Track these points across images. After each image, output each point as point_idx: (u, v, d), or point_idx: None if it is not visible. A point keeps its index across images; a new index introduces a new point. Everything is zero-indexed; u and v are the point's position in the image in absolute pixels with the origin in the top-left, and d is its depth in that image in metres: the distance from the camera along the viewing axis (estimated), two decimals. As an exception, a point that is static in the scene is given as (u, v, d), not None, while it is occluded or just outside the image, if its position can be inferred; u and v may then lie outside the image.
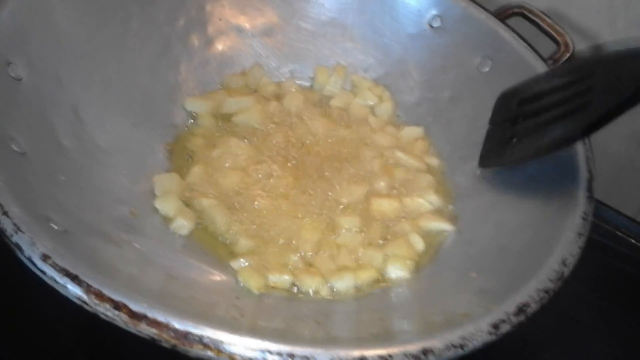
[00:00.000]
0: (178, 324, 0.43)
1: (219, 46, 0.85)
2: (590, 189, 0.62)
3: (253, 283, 0.60)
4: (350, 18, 0.88)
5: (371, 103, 0.86)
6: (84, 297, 0.43)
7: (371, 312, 0.58)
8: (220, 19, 0.85)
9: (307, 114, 0.81)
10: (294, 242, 0.66)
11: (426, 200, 0.73)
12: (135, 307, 0.43)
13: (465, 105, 0.81)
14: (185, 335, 0.43)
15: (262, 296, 0.59)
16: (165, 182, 0.68)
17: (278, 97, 0.83)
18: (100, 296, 0.43)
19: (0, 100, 0.55)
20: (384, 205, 0.71)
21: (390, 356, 0.45)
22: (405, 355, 0.45)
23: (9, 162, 0.52)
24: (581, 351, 0.70)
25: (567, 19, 0.87)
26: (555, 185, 0.65)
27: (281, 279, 0.62)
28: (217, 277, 0.60)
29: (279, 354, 0.43)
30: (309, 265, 0.65)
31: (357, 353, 0.44)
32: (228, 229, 0.66)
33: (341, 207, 0.71)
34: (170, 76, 0.79)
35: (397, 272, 0.65)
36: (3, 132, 0.54)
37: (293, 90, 0.85)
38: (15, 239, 0.45)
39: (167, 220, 0.65)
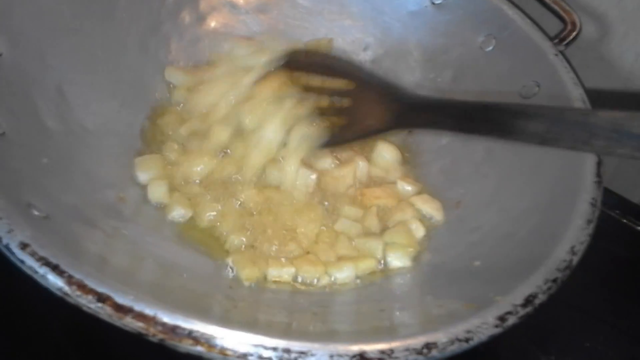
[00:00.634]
0: (166, 317, 0.40)
1: (211, 23, 0.82)
2: (599, 174, 0.59)
3: (248, 274, 0.57)
4: (348, -6, 0.85)
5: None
6: (66, 288, 0.41)
7: (371, 303, 0.55)
8: (212, -6, 0.81)
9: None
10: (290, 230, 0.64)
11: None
12: (120, 299, 0.40)
13: (468, 86, 0.78)
14: (174, 329, 0.40)
15: (257, 286, 0.57)
16: (149, 164, 0.66)
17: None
18: (82, 287, 0.41)
19: (-23, 76, 0.52)
20: (377, 192, 0.69)
21: (391, 351, 0.42)
22: (408, 349, 0.42)
23: (-14, 143, 0.49)
24: (588, 342, 0.69)
25: (574, -3, 0.84)
26: (562, 170, 0.62)
27: (283, 272, 0.59)
28: (210, 265, 0.58)
29: (274, 349, 0.41)
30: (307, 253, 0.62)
31: (356, 348, 0.42)
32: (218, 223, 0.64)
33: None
34: (160, 54, 0.76)
35: (397, 260, 0.62)
36: (-21, 111, 0.51)
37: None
38: (-9, 225, 0.42)
39: (160, 207, 0.62)
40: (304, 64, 0.71)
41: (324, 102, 0.70)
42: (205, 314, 0.41)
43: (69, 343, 0.61)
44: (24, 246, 0.42)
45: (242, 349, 0.40)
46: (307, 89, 0.70)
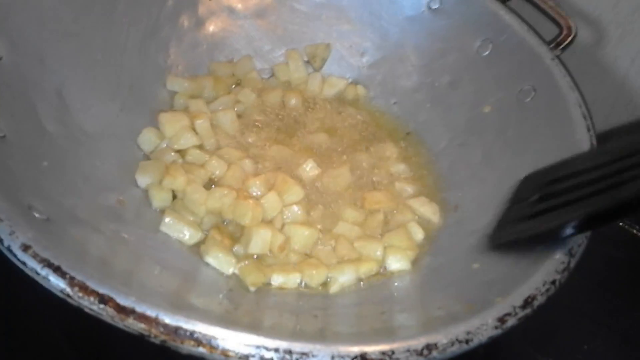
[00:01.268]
0: (168, 319, 0.40)
1: (210, 27, 0.82)
2: (596, 177, 0.60)
3: (253, 280, 0.57)
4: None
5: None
6: (67, 289, 0.41)
7: (372, 306, 0.56)
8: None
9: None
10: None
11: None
12: (122, 300, 0.41)
13: (465, 90, 0.79)
14: (176, 331, 0.40)
15: (258, 289, 0.57)
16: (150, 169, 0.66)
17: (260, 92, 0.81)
18: (84, 289, 0.41)
19: (-23, 79, 0.52)
20: (378, 197, 0.70)
21: (392, 352, 0.42)
22: (409, 350, 0.43)
23: (-13, 146, 0.49)
24: (586, 344, 0.69)
25: (570, 2, 0.85)
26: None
27: (289, 278, 0.59)
28: (211, 269, 0.58)
29: (276, 350, 0.41)
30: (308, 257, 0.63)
31: (357, 349, 0.42)
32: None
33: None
34: (159, 58, 0.77)
35: (397, 263, 0.63)
36: (-20, 114, 0.51)
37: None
38: (-7, 227, 0.42)
39: (160, 211, 0.63)
40: None
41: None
42: (207, 316, 0.42)
43: (67, 344, 0.61)
44: (25, 248, 0.42)
45: (244, 350, 0.41)
46: None
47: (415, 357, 0.43)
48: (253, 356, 0.40)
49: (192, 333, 0.40)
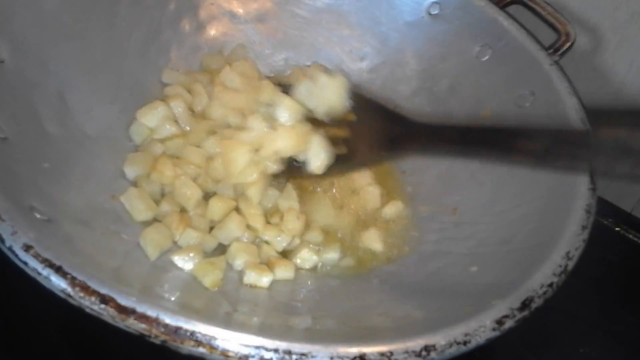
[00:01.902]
0: (169, 319, 0.41)
1: (211, 31, 0.82)
2: (593, 181, 0.60)
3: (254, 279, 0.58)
4: (346, 5, 0.86)
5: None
6: (69, 289, 0.41)
7: (369, 308, 0.56)
8: (212, 4, 0.82)
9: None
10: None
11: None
12: (123, 301, 0.41)
13: (464, 95, 0.79)
14: (176, 331, 0.41)
15: (256, 290, 0.57)
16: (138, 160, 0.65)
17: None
18: (85, 289, 0.41)
19: (-20, 82, 0.53)
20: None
21: (391, 353, 0.43)
22: (407, 352, 0.43)
23: (-10, 147, 0.49)
24: (582, 347, 0.69)
25: (568, 9, 0.85)
26: (556, 178, 0.63)
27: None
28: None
29: (276, 350, 0.41)
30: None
31: (356, 350, 0.42)
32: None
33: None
34: (160, 62, 0.77)
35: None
36: (-18, 116, 0.51)
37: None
38: (-5, 228, 0.43)
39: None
40: None
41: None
42: (207, 317, 0.42)
43: (65, 345, 0.61)
44: (27, 248, 0.42)
45: (243, 350, 0.41)
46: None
47: (414, 358, 0.43)
48: (253, 356, 0.41)
49: (192, 333, 0.41)
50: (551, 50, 0.76)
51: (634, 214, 0.87)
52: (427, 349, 0.44)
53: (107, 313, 0.41)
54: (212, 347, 0.41)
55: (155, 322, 0.41)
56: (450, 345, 0.44)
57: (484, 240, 0.63)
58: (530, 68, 0.73)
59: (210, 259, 0.58)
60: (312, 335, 0.47)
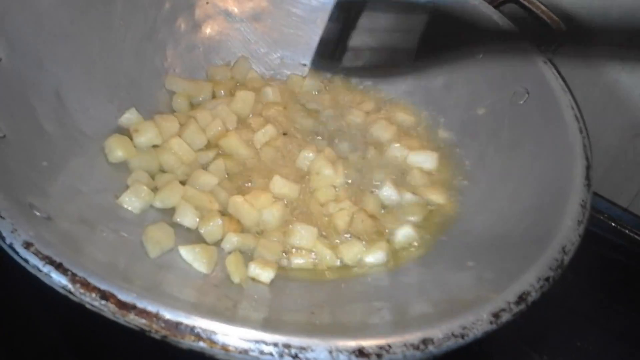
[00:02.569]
0: (169, 314, 0.41)
1: (207, 30, 0.83)
2: (588, 177, 0.61)
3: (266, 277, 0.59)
4: (341, 3, 0.86)
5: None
6: (69, 286, 0.41)
7: (367, 303, 0.56)
8: (207, 3, 0.83)
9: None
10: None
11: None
12: (123, 296, 0.41)
13: (459, 93, 0.80)
14: (177, 326, 0.41)
15: (254, 287, 0.57)
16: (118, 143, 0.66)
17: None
18: (86, 285, 0.41)
19: (-23, 80, 0.53)
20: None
21: (389, 346, 0.43)
22: (405, 345, 0.43)
23: (-13, 146, 0.50)
24: (579, 342, 0.70)
25: (561, 7, 0.86)
26: (552, 174, 0.63)
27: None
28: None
29: (275, 344, 0.41)
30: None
31: (354, 343, 0.43)
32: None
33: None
34: (157, 60, 0.77)
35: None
36: (-20, 114, 0.51)
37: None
38: (-5, 225, 0.43)
39: (161, 210, 0.63)
40: None
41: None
42: (206, 312, 0.42)
43: (65, 344, 0.61)
44: (27, 245, 0.42)
45: (243, 345, 0.41)
46: None
47: (412, 351, 0.43)
48: (253, 350, 0.41)
49: (192, 328, 0.41)
50: (544, 48, 0.77)
51: (630, 209, 0.88)
52: (425, 342, 0.44)
53: (107, 309, 0.41)
54: (212, 342, 0.41)
55: (156, 317, 0.41)
56: (448, 338, 0.45)
57: (481, 236, 0.63)
58: (524, 65, 0.74)
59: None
60: (311, 330, 0.48)
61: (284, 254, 0.63)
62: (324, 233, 0.66)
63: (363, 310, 0.54)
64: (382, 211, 0.70)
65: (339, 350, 0.42)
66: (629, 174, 0.93)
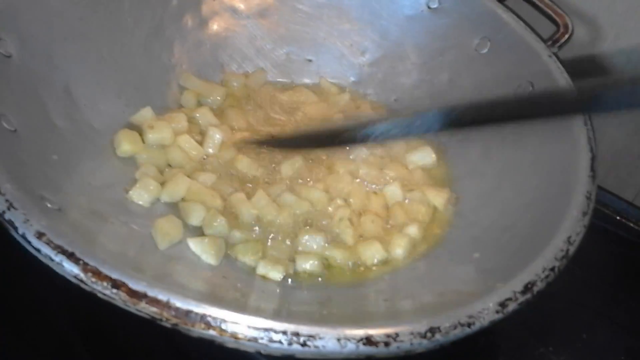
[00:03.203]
0: (179, 303, 0.42)
1: (213, 27, 0.83)
2: (593, 168, 0.61)
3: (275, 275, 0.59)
4: (347, -1, 0.87)
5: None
6: (81, 275, 0.42)
7: (374, 294, 0.57)
8: (214, -1, 0.83)
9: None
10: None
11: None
12: (134, 285, 0.42)
13: (464, 87, 0.80)
14: (187, 314, 0.41)
15: (264, 280, 0.58)
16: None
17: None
18: (97, 274, 0.42)
19: (-11, 75, 0.54)
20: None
21: (397, 334, 0.43)
22: (412, 334, 0.44)
23: (0, 139, 0.50)
24: (585, 334, 0.70)
25: (566, 1, 0.86)
26: (557, 165, 0.64)
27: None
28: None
29: (284, 332, 0.42)
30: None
31: (362, 332, 0.43)
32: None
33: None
34: (164, 57, 0.78)
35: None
36: (-7, 108, 0.52)
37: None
38: (8, 215, 0.44)
39: (169, 205, 0.64)
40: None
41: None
42: (216, 300, 0.43)
43: (76, 336, 0.62)
44: (40, 235, 0.43)
45: (253, 333, 0.42)
46: None
47: (419, 340, 0.44)
48: (262, 338, 0.41)
49: (202, 316, 0.41)
50: (550, 42, 0.77)
51: (635, 203, 0.88)
52: (432, 330, 0.44)
53: (119, 297, 0.42)
54: (222, 330, 0.41)
55: (166, 305, 0.41)
56: (455, 326, 0.45)
57: (486, 228, 0.63)
58: (529, 60, 0.74)
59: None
60: (318, 319, 0.48)
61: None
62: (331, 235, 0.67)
63: (370, 302, 0.54)
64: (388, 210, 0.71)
65: (347, 338, 0.42)
66: (634, 168, 0.93)
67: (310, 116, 0.80)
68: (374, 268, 0.63)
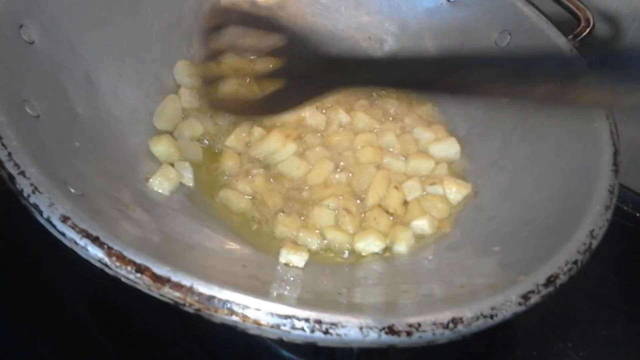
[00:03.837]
0: (203, 288, 0.42)
1: (232, 18, 0.83)
2: (615, 162, 0.61)
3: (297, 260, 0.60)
4: (365, -9, 0.86)
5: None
6: (105, 259, 0.42)
7: (394, 285, 0.57)
8: (233, -9, 0.83)
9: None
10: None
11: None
12: (158, 270, 0.42)
13: (483, 81, 0.79)
14: (210, 299, 0.41)
15: (283, 267, 0.58)
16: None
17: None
18: (122, 259, 0.42)
19: (12, 62, 0.54)
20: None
21: (419, 324, 0.43)
22: (435, 324, 0.44)
23: (24, 124, 0.50)
24: (604, 330, 0.70)
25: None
26: (579, 159, 0.63)
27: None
28: (236, 247, 0.59)
29: (307, 320, 0.42)
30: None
31: (385, 321, 0.43)
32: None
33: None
34: (183, 48, 0.78)
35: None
36: (16, 94, 0.52)
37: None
38: (33, 199, 0.44)
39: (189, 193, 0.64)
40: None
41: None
42: (239, 287, 0.43)
43: (95, 324, 0.62)
44: (64, 219, 0.43)
45: (275, 320, 0.42)
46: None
47: (441, 330, 0.43)
48: (284, 325, 0.41)
49: (225, 302, 0.41)
50: (570, 37, 0.76)
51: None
52: (455, 321, 0.44)
53: (142, 282, 0.42)
54: (245, 316, 0.41)
55: (190, 290, 0.41)
56: (477, 318, 0.45)
57: (506, 222, 0.63)
58: (550, 53, 0.73)
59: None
60: (342, 307, 0.48)
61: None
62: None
63: (390, 292, 0.54)
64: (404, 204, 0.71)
65: (369, 327, 0.42)
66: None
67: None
68: (399, 257, 0.63)
